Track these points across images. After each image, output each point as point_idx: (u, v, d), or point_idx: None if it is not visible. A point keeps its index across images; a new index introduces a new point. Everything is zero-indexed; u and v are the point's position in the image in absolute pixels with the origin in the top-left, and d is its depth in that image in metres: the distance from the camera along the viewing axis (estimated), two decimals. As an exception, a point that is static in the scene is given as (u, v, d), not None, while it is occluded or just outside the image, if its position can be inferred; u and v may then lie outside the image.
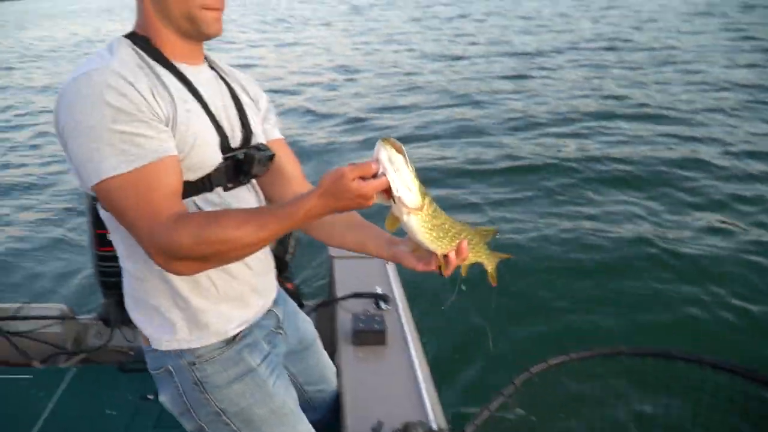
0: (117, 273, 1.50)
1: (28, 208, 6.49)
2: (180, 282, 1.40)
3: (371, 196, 1.13)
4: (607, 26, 18.24)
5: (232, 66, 1.62)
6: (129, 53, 1.31)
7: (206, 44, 1.45)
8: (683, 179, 6.09)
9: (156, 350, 1.45)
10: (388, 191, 1.15)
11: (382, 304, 2.43)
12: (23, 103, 12.48)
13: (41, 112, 11.18)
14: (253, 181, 1.51)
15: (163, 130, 1.24)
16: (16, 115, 11.33)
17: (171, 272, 1.28)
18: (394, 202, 1.17)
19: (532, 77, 11.44)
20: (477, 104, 9.65)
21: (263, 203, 1.56)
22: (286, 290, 2.02)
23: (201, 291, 1.42)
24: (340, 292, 2.53)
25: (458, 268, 1.36)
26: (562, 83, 10.78)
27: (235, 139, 1.42)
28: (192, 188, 1.33)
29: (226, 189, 1.41)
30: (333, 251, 2.86)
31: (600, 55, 13.33)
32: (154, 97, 1.25)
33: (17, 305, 2.90)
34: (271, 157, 1.45)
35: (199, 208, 1.35)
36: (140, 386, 2.37)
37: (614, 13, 21.74)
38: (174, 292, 1.41)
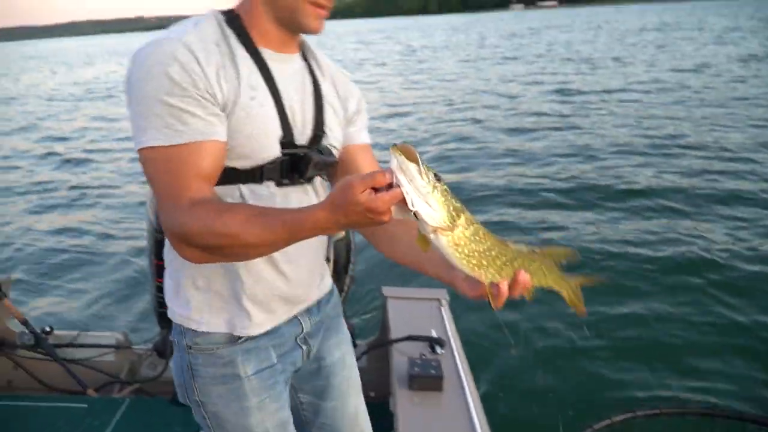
0: None
1: (89, 233, 6.67)
2: (207, 267, 1.37)
3: (383, 210, 0.99)
4: (657, 71, 18.21)
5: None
6: (213, 29, 1.27)
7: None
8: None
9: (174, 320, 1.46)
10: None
11: (438, 349, 2.39)
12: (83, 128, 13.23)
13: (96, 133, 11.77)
14: (317, 183, 1.42)
15: (214, 113, 1.21)
16: (88, 142, 11.91)
17: (180, 256, 1.22)
18: (416, 218, 1.03)
19: (584, 114, 11.58)
20: (535, 135, 9.83)
21: (312, 202, 1.43)
22: None
23: (224, 279, 1.38)
24: (394, 334, 2.49)
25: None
26: (614, 118, 10.90)
27: (304, 136, 1.36)
28: (240, 176, 1.28)
29: (279, 184, 1.34)
30: (387, 291, 2.82)
31: (656, 95, 13.30)
32: (218, 77, 1.21)
33: (75, 333, 2.94)
34: (332, 163, 1.38)
35: (244, 198, 1.30)
36: (192, 420, 2.37)
37: (664, 57, 21.76)
38: (197, 272, 1.38)
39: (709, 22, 45.74)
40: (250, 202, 1.30)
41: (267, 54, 1.31)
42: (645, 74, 17.16)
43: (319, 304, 1.57)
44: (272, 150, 1.29)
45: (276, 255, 1.35)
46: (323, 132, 1.38)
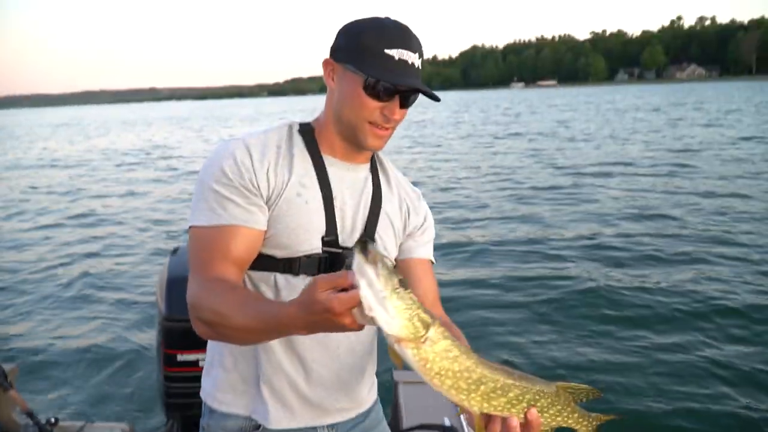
0: (182, 394, 1.54)
1: (94, 319, 6.55)
2: (225, 346, 1.43)
3: (340, 312, 0.96)
4: (651, 150, 18.56)
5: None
6: (280, 134, 1.42)
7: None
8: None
9: None
10: None
11: None
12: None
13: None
14: None
15: (255, 203, 1.32)
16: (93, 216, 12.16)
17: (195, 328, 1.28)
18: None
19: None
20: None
21: None
22: None
23: (247, 362, 1.42)
24: (406, 421, 2.42)
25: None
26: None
27: (351, 239, 1.40)
28: (278, 264, 1.35)
29: None
30: (398, 375, 2.74)
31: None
32: (267, 173, 1.34)
33: (80, 423, 2.93)
34: None
35: (278, 287, 1.36)
36: None
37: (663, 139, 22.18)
38: (227, 351, 1.44)
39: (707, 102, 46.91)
40: (284, 292, 1.35)
41: (329, 161, 1.43)
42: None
43: (354, 423, 1.52)
44: (311, 245, 1.36)
45: (300, 350, 1.39)
46: (373, 239, 1.43)
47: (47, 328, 6.36)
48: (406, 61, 1.33)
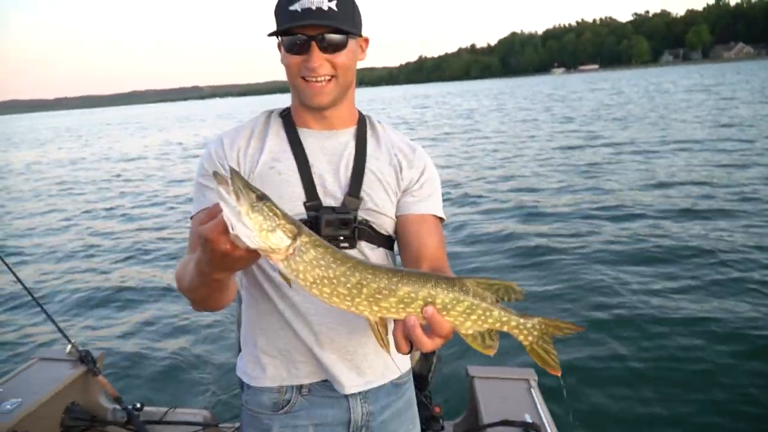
0: None
1: (178, 309, 6.43)
2: (249, 324, 1.56)
3: (213, 238, 0.99)
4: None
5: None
6: (254, 122, 1.53)
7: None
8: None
9: None
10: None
11: None
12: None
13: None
14: (364, 248, 1.47)
15: None
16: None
17: None
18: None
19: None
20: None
21: None
22: (432, 414, 2.13)
23: (259, 336, 1.53)
24: (486, 417, 2.41)
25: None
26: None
27: (336, 200, 1.44)
28: None
29: None
30: (473, 370, 2.73)
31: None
32: (238, 156, 1.45)
33: (164, 409, 2.99)
34: (346, 222, 1.41)
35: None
36: None
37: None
38: (243, 326, 1.60)
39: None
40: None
41: (306, 133, 1.50)
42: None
43: (376, 391, 1.55)
44: (292, 211, 1.29)
45: (312, 319, 1.46)
46: (358, 196, 1.44)
47: (134, 316, 6.41)
48: (309, 8, 1.34)
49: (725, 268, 6.28)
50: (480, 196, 11.00)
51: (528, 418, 2.35)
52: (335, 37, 1.38)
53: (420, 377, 2.15)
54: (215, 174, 0.97)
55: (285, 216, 0.97)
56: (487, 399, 2.52)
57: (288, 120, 1.52)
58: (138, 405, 2.90)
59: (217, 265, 1.07)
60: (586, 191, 10.77)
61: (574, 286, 6.09)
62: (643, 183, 11.05)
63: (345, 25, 1.37)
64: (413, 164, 1.53)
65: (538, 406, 2.45)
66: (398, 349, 1.04)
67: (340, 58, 1.40)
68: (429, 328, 0.99)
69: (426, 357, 2.30)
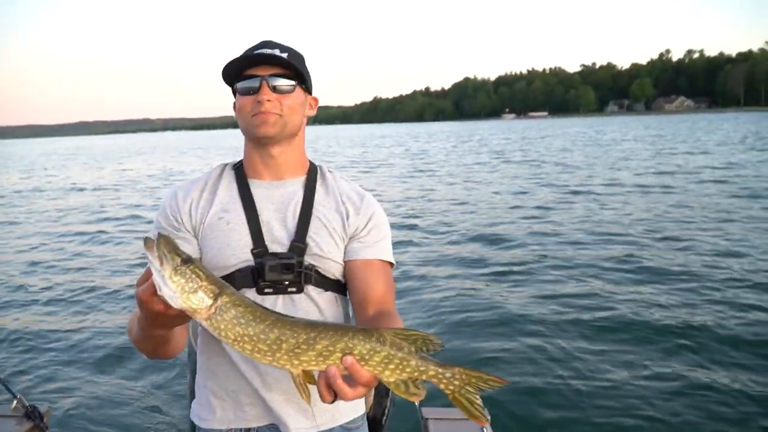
0: None
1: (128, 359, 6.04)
2: (203, 366, 1.59)
3: (146, 299, 1.08)
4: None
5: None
6: (209, 175, 1.62)
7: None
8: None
9: None
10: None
11: None
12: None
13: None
14: (312, 292, 1.50)
15: (181, 237, 1.51)
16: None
17: None
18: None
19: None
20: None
21: (311, 314, 1.50)
22: None
23: (210, 378, 1.56)
24: None
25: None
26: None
27: (282, 246, 1.49)
28: None
29: (260, 292, 1.46)
30: (426, 412, 2.68)
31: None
32: (190, 208, 1.54)
33: None
34: (288, 266, 1.45)
35: None
36: None
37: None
38: (200, 372, 1.61)
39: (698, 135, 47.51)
40: None
41: (256, 184, 1.57)
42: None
43: None
44: (239, 258, 1.47)
45: (257, 363, 1.38)
46: (304, 242, 1.49)
47: (83, 366, 6.03)
48: (263, 53, 1.48)
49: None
50: (426, 238, 10.97)
51: None
52: (284, 81, 1.49)
53: (374, 421, 2.15)
54: (146, 239, 1.04)
55: (209, 278, 1.03)
56: None
57: (240, 172, 1.60)
58: None
59: (153, 323, 1.15)
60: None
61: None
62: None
63: (295, 74, 1.50)
64: (360, 211, 1.58)
65: None
66: (322, 399, 1.05)
67: (288, 100, 1.50)
68: (350, 378, 1.02)
69: (380, 400, 2.27)
